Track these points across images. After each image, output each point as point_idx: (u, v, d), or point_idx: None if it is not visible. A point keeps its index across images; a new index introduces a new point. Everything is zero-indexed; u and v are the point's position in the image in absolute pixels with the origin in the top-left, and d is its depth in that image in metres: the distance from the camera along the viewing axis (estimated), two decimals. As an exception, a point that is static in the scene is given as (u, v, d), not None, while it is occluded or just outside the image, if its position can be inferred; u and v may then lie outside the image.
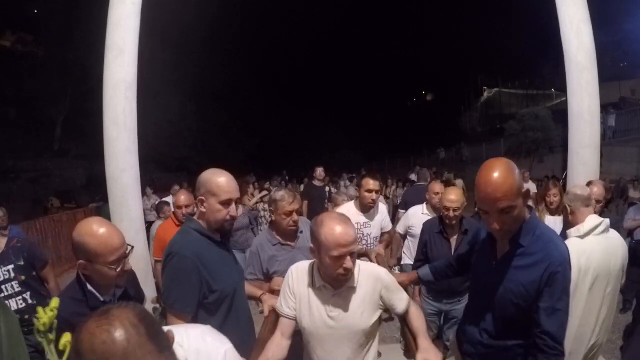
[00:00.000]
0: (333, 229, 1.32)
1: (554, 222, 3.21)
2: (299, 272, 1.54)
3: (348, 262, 1.33)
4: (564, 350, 1.26)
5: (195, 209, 1.60)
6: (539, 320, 1.26)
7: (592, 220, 1.96)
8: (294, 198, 2.15)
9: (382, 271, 1.55)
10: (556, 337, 1.24)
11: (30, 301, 2.48)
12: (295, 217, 2.16)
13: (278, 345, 1.46)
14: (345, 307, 1.43)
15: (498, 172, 1.24)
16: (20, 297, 2.45)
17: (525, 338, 1.32)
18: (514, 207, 1.25)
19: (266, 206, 6.38)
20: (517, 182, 1.25)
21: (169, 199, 5.59)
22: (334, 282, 1.42)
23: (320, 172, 5.82)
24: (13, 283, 2.45)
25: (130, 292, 1.58)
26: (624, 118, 15.25)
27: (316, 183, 5.92)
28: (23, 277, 2.48)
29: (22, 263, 2.50)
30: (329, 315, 1.43)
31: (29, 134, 14.83)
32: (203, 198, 1.51)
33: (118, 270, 1.35)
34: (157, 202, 5.62)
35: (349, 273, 1.36)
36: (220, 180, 1.51)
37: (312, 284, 1.47)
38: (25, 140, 14.57)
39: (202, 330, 1.00)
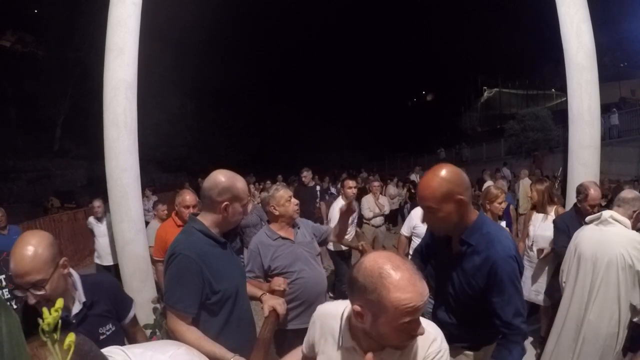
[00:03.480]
0: (405, 288, 0.88)
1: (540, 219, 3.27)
2: (325, 324, 1.15)
3: (421, 328, 0.93)
4: (524, 327, 1.37)
5: (202, 210, 1.61)
6: (496, 312, 1.36)
7: (597, 214, 2.22)
8: (286, 187, 2.37)
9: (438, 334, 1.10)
10: (514, 323, 1.35)
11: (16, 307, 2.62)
12: (295, 200, 2.33)
13: None
14: None
15: (432, 175, 1.36)
16: (8, 304, 2.60)
17: (487, 322, 1.42)
18: (436, 209, 1.35)
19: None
20: (446, 188, 1.33)
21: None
22: (368, 344, 1.02)
23: (306, 173, 5.82)
24: (4, 290, 2.64)
25: (100, 306, 1.45)
26: (624, 118, 15.26)
27: (306, 183, 5.92)
28: (12, 286, 2.67)
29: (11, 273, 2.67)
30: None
31: (29, 134, 14.81)
32: (228, 203, 1.52)
33: (27, 295, 1.23)
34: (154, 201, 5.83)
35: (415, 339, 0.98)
36: (242, 185, 1.58)
37: (340, 342, 1.08)
38: (25, 140, 14.55)
39: (172, 355, 0.90)
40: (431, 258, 1.78)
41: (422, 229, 3.29)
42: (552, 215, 3.26)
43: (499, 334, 1.41)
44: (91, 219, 5.04)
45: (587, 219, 2.25)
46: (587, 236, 2.17)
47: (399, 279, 0.88)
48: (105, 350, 0.82)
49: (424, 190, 1.37)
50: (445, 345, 1.06)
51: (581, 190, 2.79)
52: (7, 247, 4.15)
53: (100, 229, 4.87)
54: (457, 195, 1.34)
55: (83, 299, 1.40)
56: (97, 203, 4.91)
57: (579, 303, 2.13)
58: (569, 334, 2.17)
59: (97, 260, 4.91)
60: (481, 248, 1.39)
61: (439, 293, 1.67)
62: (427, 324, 1.05)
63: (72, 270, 1.40)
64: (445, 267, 1.57)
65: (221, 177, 1.53)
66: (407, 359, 1.02)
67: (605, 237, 2.09)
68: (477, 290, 1.41)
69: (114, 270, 4.51)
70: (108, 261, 4.76)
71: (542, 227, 3.22)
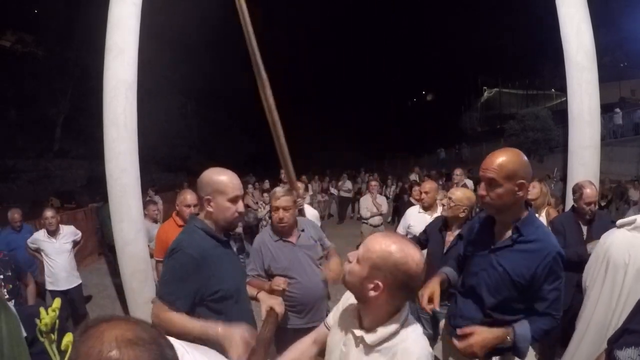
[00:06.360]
0: (377, 236, 1.12)
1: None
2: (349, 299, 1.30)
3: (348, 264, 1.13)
4: (558, 317, 1.46)
5: (199, 209, 1.61)
6: (545, 296, 1.43)
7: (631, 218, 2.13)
8: (282, 194, 2.21)
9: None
10: (558, 306, 1.44)
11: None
12: (280, 213, 2.19)
13: (304, 352, 1.37)
14: (353, 355, 1.15)
15: (505, 152, 1.43)
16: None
17: (519, 314, 1.48)
18: (497, 184, 1.40)
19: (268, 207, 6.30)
20: (514, 168, 1.38)
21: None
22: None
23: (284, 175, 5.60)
24: (3, 289, 2.65)
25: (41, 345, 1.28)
26: (624, 118, 15.28)
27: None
28: (10, 286, 2.71)
29: (10, 274, 2.74)
30: (341, 349, 1.19)
31: (29, 134, 14.78)
32: (210, 197, 1.52)
33: None
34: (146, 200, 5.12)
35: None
36: (226, 178, 1.54)
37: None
38: (25, 140, 14.52)
39: None
40: (466, 258, 1.74)
41: (417, 227, 3.36)
42: (543, 217, 3.28)
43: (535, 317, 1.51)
44: (39, 235, 4.03)
45: (618, 223, 2.16)
46: (618, 241, 2.07)
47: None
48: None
49: (492, 161, 1.40)
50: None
51: (576, 190, 2.79)
52: (17, 246, 4.28)
53: (54, 247, 3.99)
54: (520, 178, 1.38)
55: (24, 334, 1.27)
56: (50, 213, 4.00)
57: (605, 309, 2.04)
58: (593, 339, 2.09)
59: (50, 287, 3.98)
60: (534, 238, 1.43)
61: (470, 288, 1.64)
62: (415, 344, 1.08)
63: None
64: (481, 259, 1.57)
65: (205, 173, 1.55)
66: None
67: (639, 243, 2.01)
68: (523, 277, 1.42)
69: (74, 292, 4.06)
70: (69, 283, 4.02)
71: None
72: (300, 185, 3.23)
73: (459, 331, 1.52)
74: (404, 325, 1.10)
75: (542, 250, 1.40)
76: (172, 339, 0.83)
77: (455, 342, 1.50)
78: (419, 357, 1.06)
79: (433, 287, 1.63)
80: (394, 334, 1.08)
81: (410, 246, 1.08)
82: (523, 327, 1.45)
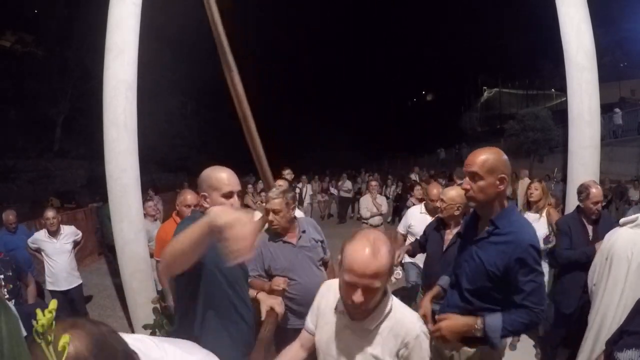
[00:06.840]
0: (357, 250, 1.11)
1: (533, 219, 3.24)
2: (329, 289, 1.39)
3: (357, 296, 1.11)
4: (544, 309, 1.47)
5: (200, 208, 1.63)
6: (520, 288, 1.44)
7: (633, 216, 2.18)
8: (274, 197, 2.21)
9: (417, 329, 1.22)
10: (536, 299, 1.44)
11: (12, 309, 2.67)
12: (270, 216, 2.21)
13: (294, 356, 1.41)
14: (354, 346, 1.24)
15: (486, 149, 1.56)
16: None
17: (496, 304, 1.52)
18: (480, 177, 1.50)
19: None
20: (495, 163, 1.50)
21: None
22: (349, 311, 1.23)
23: (286, 173, 5.20)
24: (3, 289, 2.69)
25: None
26: (624, 118, 15.27)
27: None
28: (10, 286, 2.76)
29: (10, 274, 2.79)
30: (337, 345, 1.27)
31: (29, 134, 14.76)
32: (205, 194, 1.55)
33: None
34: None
35: (356, 308, 1.14)
36: (220, 174, 1.55)
37: (336, 306, 1.31)
38: (25, 140, 14.51)
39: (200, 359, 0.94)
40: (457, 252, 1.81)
41: (418, 227, 3.35)
42: (544, 217, 3.28)
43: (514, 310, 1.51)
44: (40, 235, 4.03)
45: (621, 221, 2.21)
46: (621, 238, 2.12)
47: (357, 243, 1.12)
48: (137, 338, 0.81)
49: (474, 157, 1.52)
50: (422, 337, 1.22)
51: (582, 190, 2.78)
52: (15, 247, 4.28)
53: (55, 247, 3.97)
54: (501, 173, 1.49)
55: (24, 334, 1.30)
56: (51, 213, 4.00)
57: (609, 305, 2.08)
58: (597, 334, 2.12)
59: (51, 287, 3.96)
60: (507, 231, 1.48)
61: (456, 278, 1.70)
62: (410, 314, 1.26)
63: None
64: (466, 250, 1.64)
65: (204, 171, 1.59)
66: (380, 338, 1.21)
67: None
68: (496, 267, 1.47)
69: (74, 293, 4.06)
70: (69, 283, 4.00)
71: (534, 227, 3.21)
72: (282, 183, 3.18)
73: (436, 317, 1.63)
74: (392, 300, 1.24)
75: (514, 243, 1.44)
76: (139, 335, 0.84)
77: (429, 326, 1.57)
78: (419, 324, 1.23)
79: (425, 309, 1.78)
80: (389, 311, 1.22)
81: (382, 237, 1.16)
82: (494, 318, 1.48)
